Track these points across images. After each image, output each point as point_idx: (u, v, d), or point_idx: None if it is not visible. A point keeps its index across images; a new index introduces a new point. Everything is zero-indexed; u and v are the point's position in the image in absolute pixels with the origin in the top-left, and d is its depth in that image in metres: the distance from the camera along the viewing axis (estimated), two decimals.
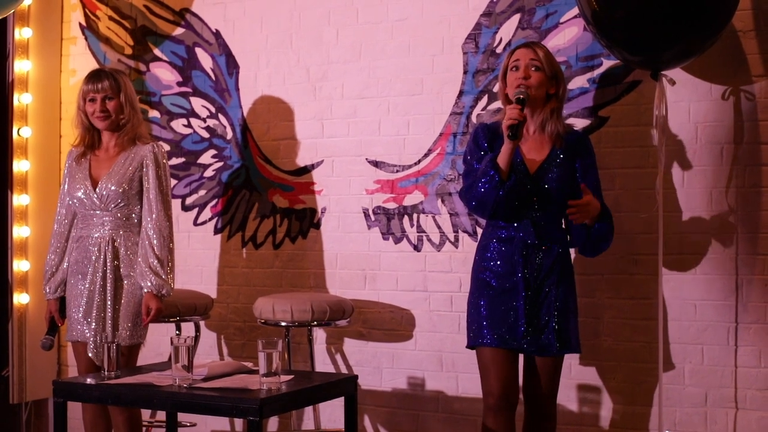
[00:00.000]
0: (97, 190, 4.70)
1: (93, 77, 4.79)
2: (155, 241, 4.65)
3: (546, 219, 4.21)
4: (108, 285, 4.67)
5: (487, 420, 4.18)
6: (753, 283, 4.68)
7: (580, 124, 4.99)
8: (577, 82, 5.01)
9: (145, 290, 4.63)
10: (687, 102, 4.81)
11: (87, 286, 4.69)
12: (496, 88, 5.16)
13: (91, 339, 4.66)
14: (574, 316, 4.27)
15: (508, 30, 5.15)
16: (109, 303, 4.66)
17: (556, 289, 4.18)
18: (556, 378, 4.25)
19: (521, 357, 4.28)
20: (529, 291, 4.15)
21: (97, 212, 4.72)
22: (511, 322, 4.15)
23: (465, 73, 5.26)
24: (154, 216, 4.68)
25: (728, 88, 4.73)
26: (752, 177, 4.69)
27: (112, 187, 4.68)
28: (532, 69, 4.20)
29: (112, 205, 4.69)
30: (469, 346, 4.30)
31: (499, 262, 4.22)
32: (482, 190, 4.09)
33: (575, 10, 4.92)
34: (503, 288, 4.19)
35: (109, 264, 4.68)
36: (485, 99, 5.20)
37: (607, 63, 4.94)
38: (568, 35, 5.04)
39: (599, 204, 4.19)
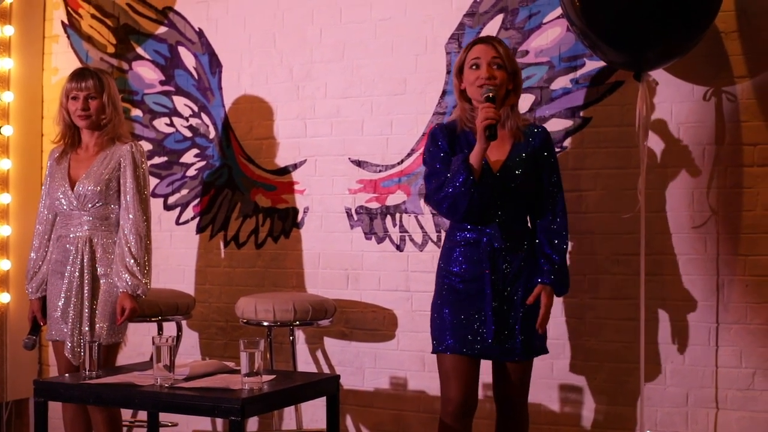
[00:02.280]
0: (74, 190, 4.69)
1: (77, 75, 4.77)
2: (132, 241, 4.63)
3: (512, 220, 4.10)
4: (85, 284, 4.65)
5: (445, 426, 4.09)
6: (734, 284, 4.70)
7: (562, 124, 5.00)
8: (560, 83, 5.01)
9: (121, 290, 4.61)
10: (669, 103, 4.82)
11: (65, 285, 4.67)
12: None
13: (68, 338, 4.64)
14: (536, 317, 4.12)
15: (491, 30, 5.16)
16: (86, 302, 4.64)
17: (523, 293, 4.06)
18: (526, 381, 4.17)
19: (489, 361, 4.19)
20: (496, 295, 4.04)
21: (75, 212, 4.70)
22: (477, 327, 4.04)
23: (448, 73, 5.26)
24: (131, 216, 4.66)
25: (710, 89, 4.75)
26: (733, 178, 4.70)
27: (90, 187, 4.66)
28: (495, 67, 4.07)
29: (90, 205, 4.68)
30: (434, 352, 4.17)
31: (465, 267, 4.09)
32: (455, 192, 3.95)
33: (558, 11, 4.93)
34: (469, 293, 4.07)
35: (86, 263, 4.66)
36: None
37: (590, 64, 4.95)
38: (551, 36, 5.05)
39: (551, 292, 4.08)
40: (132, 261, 4.61)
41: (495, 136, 3.92)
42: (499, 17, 5.15)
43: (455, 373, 4.05)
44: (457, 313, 4.07)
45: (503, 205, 4.07)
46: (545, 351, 4.21)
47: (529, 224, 4.21)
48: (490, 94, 3.98)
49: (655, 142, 4.81)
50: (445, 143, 4.13)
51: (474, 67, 4.10)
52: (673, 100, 4.81)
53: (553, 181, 4.17)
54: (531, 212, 4.19)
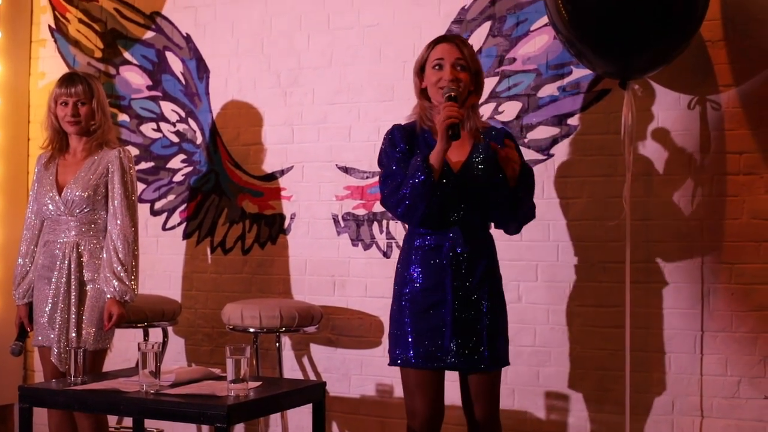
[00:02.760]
0: (62, 195, 4.67)
1: (67, 81, 4.76)
2: (120, 247, 4.62)
3: (474, 223, 3.92)
4: (72, 290, 4.64)
5: None
6: (719, 292, 4.71)
7: (549, 132, 5.01)
8: (547, 90, 5.02)
9: (108, 296, 4.60)
10: (655, 111, 4.83)
11: (52, 290, 4.66)
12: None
13: (55, 344, 4.63)
14: (504, 327, 4.00)
15: (479, 37, 5.17)
16: (72, 308, 4.63)
17: (488, 301, 3.89)
18: (496, 395, 3.96)
19: (456, 374, 4.01)
20: (459, 303, 3.85)
21: (63, 217, 4.69)
22: (440, 338, 3.84)
23: None
24: (118, 222, 4.65)
25: (695, 97, 4.77)
26: (719, 186, 4.72)
27: (77, 193, 4.65)
28: (458, 69, 3.91)
29: (77, 211, 4.66)
30: (393, 365, 3.98)
31: (425, 274, 3.90)
32: (413, 193, 3.77)
33: (545, 19, 4.94)
34: (431, 302, 3.87)
35: (73, 269, 4.65)
36: None
37: (577, 71, 4.96)
38: (538, 43, 5.06)
39: (518, 157, 3.87)
40: (119, 267, 4.60)
41: (458, 136, 3.74)
42: (487, 24, 5.16)
43: (420, 388, 3.88)
44: (419, 324, 3.88)
45: (464, 208, 3.89)
46: (508, 362, 4.02)
47: (488, 229, 4.04)
48: (452, 94, 3.81)
49: (641, 150, 4.82)
50: (403, 144, 3.95)
51: (437, 67, 3.94)
52: (659, 109, 4.83)
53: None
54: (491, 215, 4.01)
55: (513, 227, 4.07)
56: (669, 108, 4.81)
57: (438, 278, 3.88)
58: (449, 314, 3.84)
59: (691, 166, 4.78)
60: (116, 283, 4.58)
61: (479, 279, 3.89)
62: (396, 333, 3.95)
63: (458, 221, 3.88)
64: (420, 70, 4.02)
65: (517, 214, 3.96)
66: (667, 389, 4.78)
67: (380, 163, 4.05)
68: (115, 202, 4.68)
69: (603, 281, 4.89)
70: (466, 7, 5.21)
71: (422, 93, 4.04)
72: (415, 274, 3.93)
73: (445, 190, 3.82)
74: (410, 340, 3.88)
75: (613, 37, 4.34)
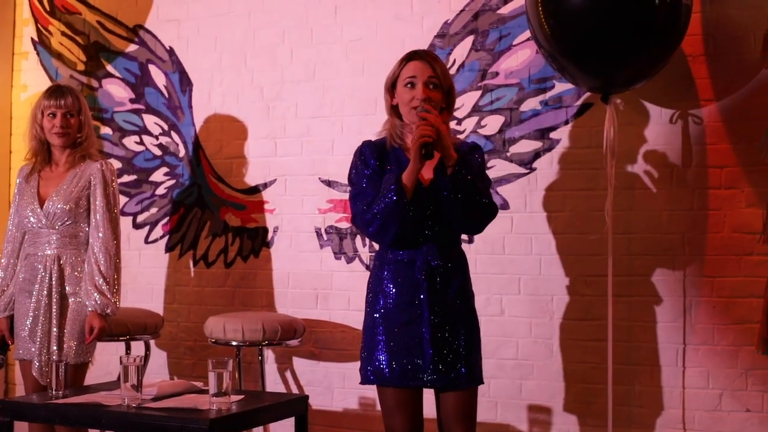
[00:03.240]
0: (44, 208, 4.66)
1: (55, 92, 4.76)
2: (102, 260, 4.61)
3: (447, 238, 3.81)
4: (53, 303, 4.62)
5: None
6: (701, 305, 4.73)
7: (531, 145, 5.02)
8: (529, 104, 5.04)
9: (90, 309, 4.59)
10: (637, 125, 4.85)
11: (33, 304, 4.64)
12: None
13: (36, 357, 4.61)
14: (479, 344, 3.87)
15: (461, 52, 5.18)
16: (54, 321, 4.61)
17: (464, 317, 3.79)
18: (473, 414, 3.81)
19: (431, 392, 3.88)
20: (435, 319, 3.73)
21: (44, 230, 4.67)
22: (417, 355, 3.73)
23: None
24: (100, 235, 4.64)
25: (677, 111, 4.79)
26: (700, 200, 4.74)
27: (59, 206, 4.64)
28: (431, 87, 3.79)
29: (59, 224, 4.65)
30: (366, 383, 3.86)
31: (399, 289, 3.79)
32: (385, 213, 3.69)
33: (528, 33, 4.96)
34: (406, 318, 3.75)
35: (54, 282, 4.63)
36: None
37: (560, 86, 4.98)
38: (521, 57, 5.08)
39: (446, 130, 3.73)
40: (101, 280, 4.59)
41: (431, 156, 3.65)
42: (470, 39, 5.17)
43: (398, 407, 3.77)
44: (394, 341, 3.76)
45: (437, 224, 3.77)
46: (482, 381, 3.86)
47: (459, 244, 3.93)
48: (425, 114, 3.67)
49: (623, 164, 4.84)
50: (373, 161, 3.86)
51: (409, 85, 3.81)
52: (641, 123, 4.85)
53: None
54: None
55: (469, 227, 3.94)
56: (650, 122, 4.83)
57: (413, 293, 3.76)
58: (427, 330, 3.73)
59: (673, 180, 4.80)
60: (98, 297, 4.56)
61: (455, 294, 3.79)
62: (368, 351, 3.82)
63: (431, 236, 3.78)
64: (391, 87, 3.91)
65: (466, 211, 3.74)
66: (649, 402, 4.79)
67: (350, 180, 3.98)
68: (97, 215, 4.66)
69: (585, 294, 4.90)
70: (449, 22, 5.23)
71: (393, 110, 3.93)
72: (388, 290, 3.81)
73: (417, 209, 3.73)
74: (384, 357, 3.76)
75: (596, 52, 4.36)
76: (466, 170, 3.68)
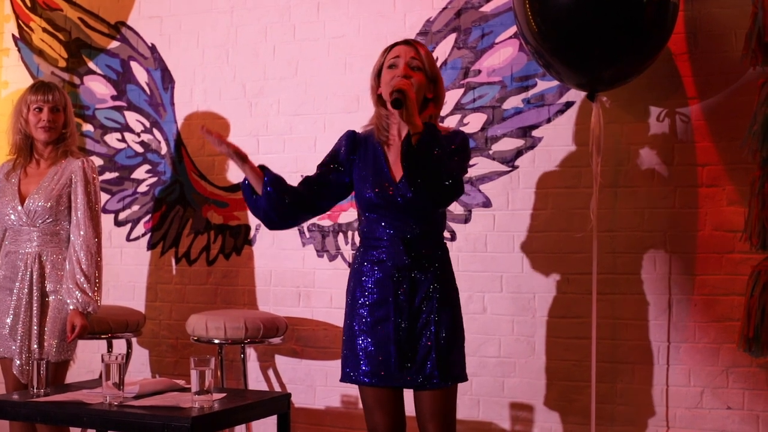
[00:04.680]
0: (24, 205, 4.64)
1: (42, 87, 4.75)
2: (83, 258, 4.59)
3: (420, 235, 3.72)
4: (34, 301, 4.61)
5: None
6: (684, 303, 4.74)
7: (514, 143, 5.03)
8: (512, 102, 5.05)
9: (71, 307, 4.57)
10: (620, 123, 4.86)
11: (13, 302, 4.63)
12: None
13: (17, 355, 4.59)
14: (459, 341, 3.77)
15: (444, 49, 5.18)
16: (35, 319, 4.60)
17: (437, 315, 3.69)
18: (449, 413, 3.74)
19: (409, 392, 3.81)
20: (402, 319, 3.67)
21: (25, 228, 4.66)
22: (386, 354, 3.68)
23: None
24: (82, 233, 4.63)
25: (663, 110, 4.80)
26: (685, 198, 4.75)
27: (40, 203, 4.62)
28: (413, 68, 3.71)
29: (40, 221, 4.64)
30: (345, 381, 3.82)
31: (371, 287, 3.74)
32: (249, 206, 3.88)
33: (510, 31, 4.97)
34: (377, 317, 3.71)
35: (35, 280, 4.62)
36: None
37: (542, 84, 4.98)
38: (503, 55, 5.08)
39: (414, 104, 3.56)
40: (83, 278, 4.57)
41: (400, 104, 3.50)
42: (452, 36, 5.17)
43: (378, 404, 3.75)
44: (367, 341, 3.73)
45: (408, 219, 3.71)
46: (464, 378, 3.79)
47: (443, 240, 3.86)
48: (398, 95, 3.53)
49: (607, 162, 4.85)
50: (341, 148, 3.89)
51: (392, 66, 3.75)
52: (623, 121, 4.86)
53: None
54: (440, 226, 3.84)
55: (426, 200, 3.66)
56: (636, 120, 4.84)
57: (382, 293, 3.71)
58: (392, 330, 3.68)
59: (655, 178, 4.81)
60: (79, 295, 4.55)
61: (425, 293, 3.71)
62: (346, 350, 3.81)
63: (401, 231, 3.71)
64: (377, 75, 3.84)
65: (425, 183, 3.56)
66: (632, 400, 4.80)
67: None
68: (79, 212, 4.65)
69: (568, 292, 4.91)
70: (431, 19, 5.23)
71: (379, 99, 3.84)
72: (362, 287, 3.77)
73: (391, 203, 3.70)
74: (359, 356, 3.74)
75: (583, 50, 4.36)
76: (430, 142, 3.53)
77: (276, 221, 3.87)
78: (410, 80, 3.64)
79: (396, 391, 3.78)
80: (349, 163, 3.87)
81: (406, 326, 3.69)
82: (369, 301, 3.75)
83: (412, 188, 3.59)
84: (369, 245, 3.79)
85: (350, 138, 3.91)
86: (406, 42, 3.82)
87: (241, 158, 3.76)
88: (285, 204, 3.79)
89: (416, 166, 3.53)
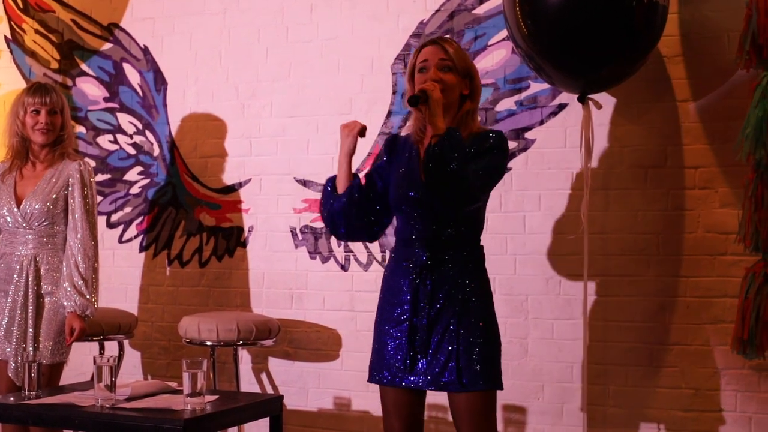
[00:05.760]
0: (20, 208, 4.64)
1: (39, 89, 4.74)
2: (80, 261, 4.59)
3: (444, 235, 3.62)
4: (29, 303, 4.60)
5: None
6: (675, 305, 4.74)
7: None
8: (505, 105, 5.05)
9: (69, 310, 4.57)
10: (612, 125, 4.86)
11: (9, 304, 4.62)
12: None
13: (12, 358, 4.58)
14: (487, 347, 3.61)
15: None
16: (30, 321, 4.59)
17: (458, 318, 3.56)
18: (476, 417, 3.57)
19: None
20: (422, 320, 3.58)
21: (21, 230, 4.65)
22: (404, 355, 3.60)
23: (394, 93, 5.28)
24: (79, 235, 4.62)
25: (656, 112, 4.80)
26: (675, 200, 4.76)
27: (37, 206, 4.61)
28: (444, 70, 3.63)
29: (36, 224, 4.63)
30: (370, 381, 3.77)
31: (395, 287, 3.67)
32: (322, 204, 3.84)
33: (503, 33, 4.97)
34: (398, 318, 3.63)
35: (30, 282, 4.61)
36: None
37: (535, 86, 4.98)
38: (496, 57, 5.09)
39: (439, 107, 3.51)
40: (80, 281, 4.57)
41: (416, 102, 3.49)
42: None
43: (393, 407, 3.67)
44: (388, 340, 3.67)
45: (434, 218, 3.61)
46: (495, 385, 3.61)
47: (474, 241, 3.72)
48: (417, 94, 3.53)
49: (599, 164, 4.85)
50: (384, 156, 3.83)
51: (422, 70, 3.67)
52: (616, 123, 4.86)
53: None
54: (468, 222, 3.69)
55: (440, 202, 3.58)
56: (626, 122, 4.85)
57: (405, 293, 3.63)
58: (412, 331, 3.60)
59: (648, 181, 4.81)
60: (77, 298, 4.54)
61: (447, 294, 3.59)
62: (373, 348, 3.75)
63: (426, 230, 3.63)
64: (411, 78, 3.74)
65: (438, 184, 3.49)
66: (624, 402, 4.80)
67: None
68: (75, 215, 4.64)
69: (560, 294, 4.91)
70: (424, 21, 5.23)
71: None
72: (387, 289, 3.73)
73: (415, 203, 3.64)
74: (382, 356, 3.68)
75: (573, 52, 4.37)
76: (449, 146, 3.43)
77: (341, 229, 3.78)
78: (438, 83, 3.58)
79: (414, 394, 3.67)
80: (389, 166, 3.80)
81: (426, 328, 3.59)
82: (393, 301, 3.68)
83: (430, 189, 3.51)
84: (398, 245, 3.76)
85: (389, 142, 3.86)
86: (434, 42, 3.73)
87: (350, 149, 3.71)
88: (361, 219, 3.75)
89: (433, 169, 3.45)
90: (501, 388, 3.64)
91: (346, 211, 3.73)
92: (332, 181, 3.78)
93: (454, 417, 3.63)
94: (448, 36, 3.88)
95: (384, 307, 3.72)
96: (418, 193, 3.62)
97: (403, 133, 3.91)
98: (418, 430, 3.73)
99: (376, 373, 3.70)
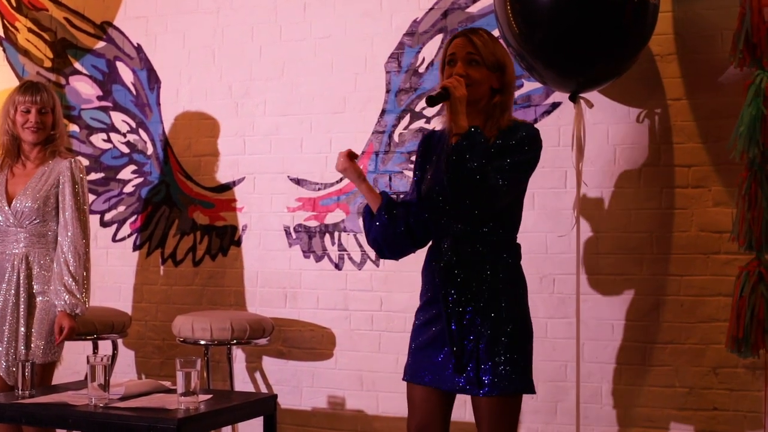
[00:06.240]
0: (11, 206, 4.63)
1: (30, 88, 4.73)
2: (71, 260, 4.58)
3: (471, 233, 3.49)
4: (21, 302, 4.59)
5: None
6: (668, 304, 4.75)
7: None
8: None
9: (59, 309, 4.56)
10: (605, 124, 4.87)
11: (0, 303, 4.61)
12: (418, 107, 5.20)
13: (3, 357, 4.58)
14: (516, 350, 3.47)
15: (430, 50, 5.18)
16: (22, 320, 4.58)
17: (483, 318, 3.43)
18: (500, 423, 3.45)
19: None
20: (447, 320, 3.45)
21: (12, 228, 4.64)
22: (432, 355, 3.49)
23: (387, 92, 5.27)
24: (69, 234, 4.61)
25: (644, 111, 4.81)
26: (668, 199, 4.76)
27: (28, 204, 4.61)
28: (470, 63, 3.48)
29: (27, 222, 4.62)
30: (403, 379, 3.64)
31: (427, 286, 3.58)
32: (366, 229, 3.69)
33: (497, 32, 4.95)
34: (427, 317, 3.54)
35: (22, 281, 4.60)
36: (407, 118, 5.22)
37: (528, 85, 4.98)
38: None
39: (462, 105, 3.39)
40: (71, 280, 4.56)
41: (433, 102, 3.38)
42: (439, 37, 5.17)
43: (411, 402, 3.58)
44: (419, 338, 3.56)
45: (454, 215, 3.50)
46: (524, 388, 3.49)
47: (506, 240, 3.58)
48: (433, 94, 3.40)
49: (591, 163, 4.85)
50: (418, 158, 3.70)
51: (450, 63, 3.52)
52: (609, 122, 4.86)
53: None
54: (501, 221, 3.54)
55: (460, 203, 3.44)
56: (619, 121, 4.85)
57: (434, 292, 3.53)
58: (439, 331, 3.49)
59: (641, 179, 4.81)
60: (67, 297, 4.54)
61: (474, 294, 3.46)
62: (409, 349, 3.62)
63: (453, 229, 3.51)
64: (442, 71, 3.59)
65: (456, 185, 3.39)
66: (617, 400, 4.80)
67: None
68: (66, 213, 4.64)
69: (553, 293, 4.91)
70: (417, 20, 5.23)
71: None
72: (422, 287, 3.63)
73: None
74: (410, 355, 3.58)
75: (564, 51, 4.37)
76: (469, 144, 3.33)
77: (385, 251, 3.71)
78: (461, 78, 3.42)
79: (434, 395, 3.55)
80: (423, 164, 3.69)
81: (454, 328, 3.47)
82: (423, 300, 3.61)
83: (451, 190, 3.40)
84: (433, 243, 3.65)
85: (423, 140, 3.74)
86: (464, 34, 3.58)
87: (359, 175, 3.61)
88: (397, 233, 3.62)
89: (453, 170, 3.36)
90: (528, 392, 3.51)
91: (384, 233, 3.63)
92: (368, 210, 3.66)
93: (476, 421, 3.52)
94: (479, 28, 3.72)
95: (419, 308, 3.62)
96: (443, 191, 3.48)
97: (438, 127, 3.78)
98: (439, 427, 3.59)
99: (410, 373, 3.58)
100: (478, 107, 3.50)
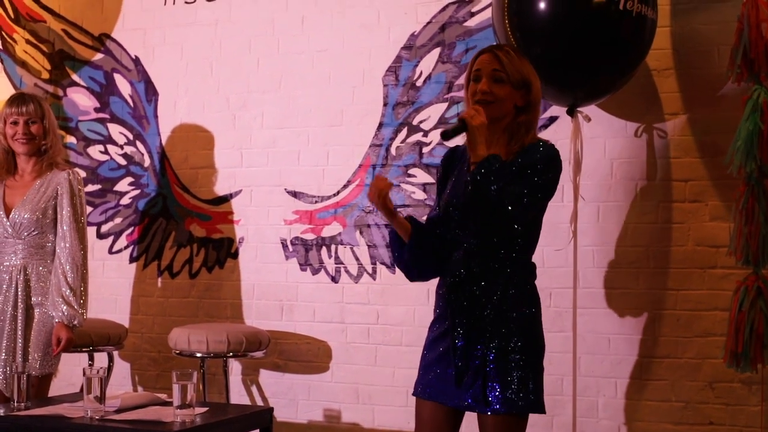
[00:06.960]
0: (9, 218, 4.62)
1: (17, 100, 4.72)
2: (68, 271, 4.57)
3: (483, 248, 3.41)
4: (19, 314, 4.58)
5: None
6: (665, 318, 4.75)
7: None
8: None
9: (57, 320, 4.55)
10: (603, 138, 4.87)
11: None
12: (416, 121, 5.20)
13: (1, 369, 4.57)
14: (525, 368, 3.40)
15: (428, 63, 5.19)
16: (19, 332, 4.57)
17: (491, 335, 3.36)
18: None
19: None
20: (455, 336, 3.38)
21: (10, 240, 4.63)
22: (440, 371, 3.42)
23: (385, 105, 5.28)
24: (67, 245, 4.61)
25: (641, 125, 4.82)
26: (664, 213, 4.77)
27: (26, 216, 4.60)
28: (495, 81, 3.42)
29: (25, 234, 4.61)
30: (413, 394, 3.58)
31: (438, 302, 3.53)
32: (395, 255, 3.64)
33: None
34: (437, 332, 3.48)
35: (20, 292, 4.59)
36: (405, 131, 5.23)
37: None
38: None
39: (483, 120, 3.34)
40: (68, 291, 4.55)
41: (448, 135, 3.35)
42: (436, 51, 5.18)
43: (419, 418, 3.52)
44: (428, 353, 3.51)
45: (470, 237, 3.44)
46: (532, 408, 3.43)
47: (522, 256, 3.49)
48: (448, 129, 3.37)
49: (588, 177, 4.86)
50: (440, 174, 3.65)
51: (476, 80, 3.46)
52: (606, 136, 4.87)
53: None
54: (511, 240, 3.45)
55: (477, 227, 3.42)
56: (616, 135, 4.86)
57: (444, 307, 3.47)
58: (447, 346, 3.42)
59: (638, 194, 4.82)
60: (65, 308, 4.53)
61: (483, 310, 3.39)
62: (420, 363, 3.57)
63: (466, 249, 3.45)
64: (467, 87, 3.53)
65: (473, 211, 3.37)
66: (613, 414, 4.80)
67: None
68: (64, 225, 4.63)
69: (550, 306, 4.90)
70: (415, 33, 5.24)
71: None
72: (435, 303, 3.57)
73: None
74: (420, 369, 3.53)
75: (562, 65, 4.38)
76: (486, 172, 3.28)
77: (416, 275, 3.65)
78: (479, 107, 3.39)
79: (441, 411, 3.49)
80: (444, 182, 3.63)
81: (464, 346, 3.39)
82: (436, 314, 3.54)
83: (466, 214, 3.38)
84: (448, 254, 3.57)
85: (445, 158, 3.68)
86: (490, 50, 3.52)
87: (389, 212, 3.50)
88: (429, 258, 3.57)
89: (470, 198, 3.32)
90: (536, 411, 3.45)
91: (416, 260, 3.58)
92: (395, 235, 3.58)
93: None
94: (506, 45, 3.71)
95: (432, 321, 3.57)
96: (458, 210, 3.44)
97: (461, 143, 3.67)
98: None
99: (420, 388, 3.52)
100: (501, 125, 3.46)
